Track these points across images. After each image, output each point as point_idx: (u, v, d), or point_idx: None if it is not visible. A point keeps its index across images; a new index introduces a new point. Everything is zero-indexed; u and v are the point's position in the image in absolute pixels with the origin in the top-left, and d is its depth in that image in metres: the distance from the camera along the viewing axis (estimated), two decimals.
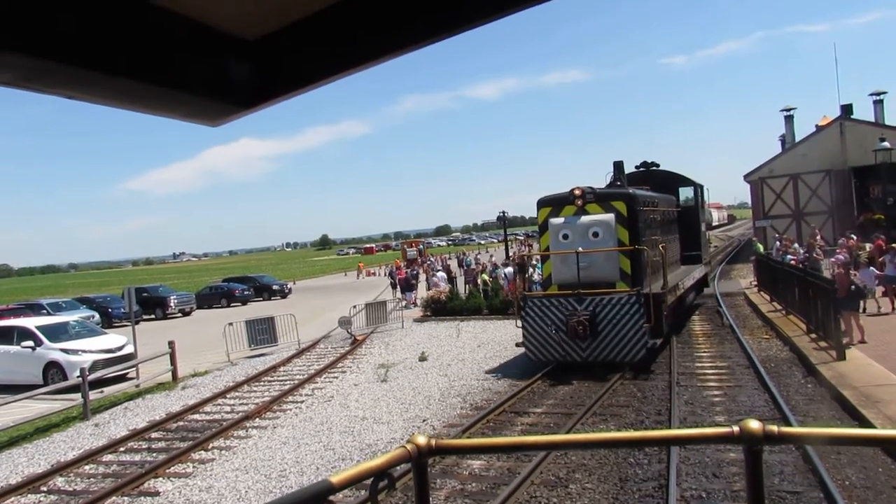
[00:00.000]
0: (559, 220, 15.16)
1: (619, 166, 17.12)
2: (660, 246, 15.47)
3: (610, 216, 14.68)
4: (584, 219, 14.85)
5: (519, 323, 15.29)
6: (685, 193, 22.14)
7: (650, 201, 16.67)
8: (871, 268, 17.54)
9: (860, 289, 14.80)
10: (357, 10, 1.32)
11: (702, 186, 22.55)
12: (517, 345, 15.69)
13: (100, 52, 1.09)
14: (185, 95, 1.37)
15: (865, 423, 9.37)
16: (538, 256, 18.51)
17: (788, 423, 9.43)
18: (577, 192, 14.98)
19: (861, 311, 14.92)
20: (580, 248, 14.42)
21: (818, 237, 25.95)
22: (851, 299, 14.23)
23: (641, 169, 21.26)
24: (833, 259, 19.54)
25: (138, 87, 1.26)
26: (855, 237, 24.82)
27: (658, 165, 21.54)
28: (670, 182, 21.13)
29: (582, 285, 14.33)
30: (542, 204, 15.73)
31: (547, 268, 15.95)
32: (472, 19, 1.29)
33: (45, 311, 31.44)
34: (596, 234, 14.64)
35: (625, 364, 14.07)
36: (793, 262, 20.79)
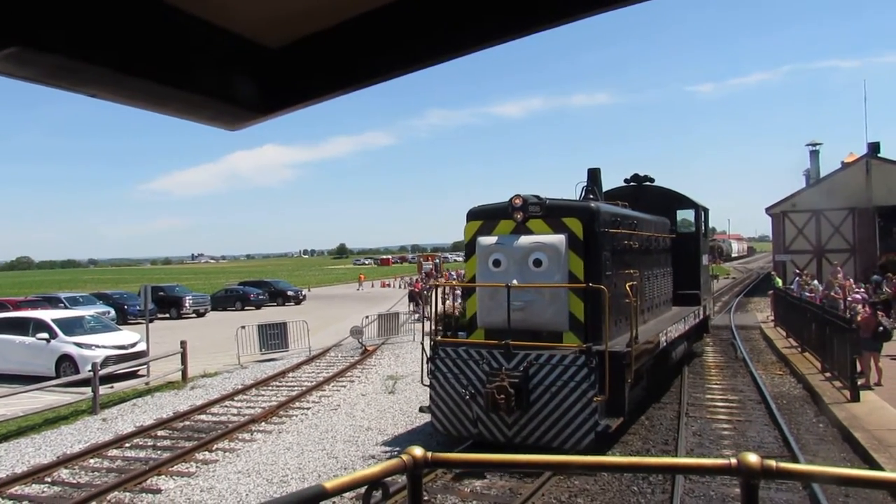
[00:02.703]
0: (490, 240, 11.03)
1: (594, 174, 13.54)
2: (627, 285, 10.94)
3: (559, 238, 10.56)
4: (524, 240, 10.71)
5: (427, 379, 11.16)
6: (683, 217, 17.85)
7: (623, 221, 12.28)
8: None
9: (887, 330, 14.59)
10: (375, 24, 1.35)
11: (706, 210, 18.30)
12: (421, 409, 11.66)
13: (123, 53, 1.13)
14: (206, 99, 1.41)
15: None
16: (459, 288, 13.31)
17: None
18: (516, 201, 10.82)
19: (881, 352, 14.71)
20: (514, 281, 10.39)
21: (840, 275, 25.62)
22: (875, 340, 14.04)
23: (632, 184, 17.27)
24: (860, 297, 19.27)
25: (159, 89, 1.29)
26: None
27: (653, 180, 17.36)
28: (665, 202, 16.83)
29: (515, 333, 10.31)
30: (471, 216, 11.65)
31: (471, 304, 11.58)
32: (487, 39, 1.32)
33: (62, 305, 31.79)
34: (538, 263, 10.55)
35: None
36: (810, 297, 20.47)
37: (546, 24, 1.26)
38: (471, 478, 9.27)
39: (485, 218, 11.40)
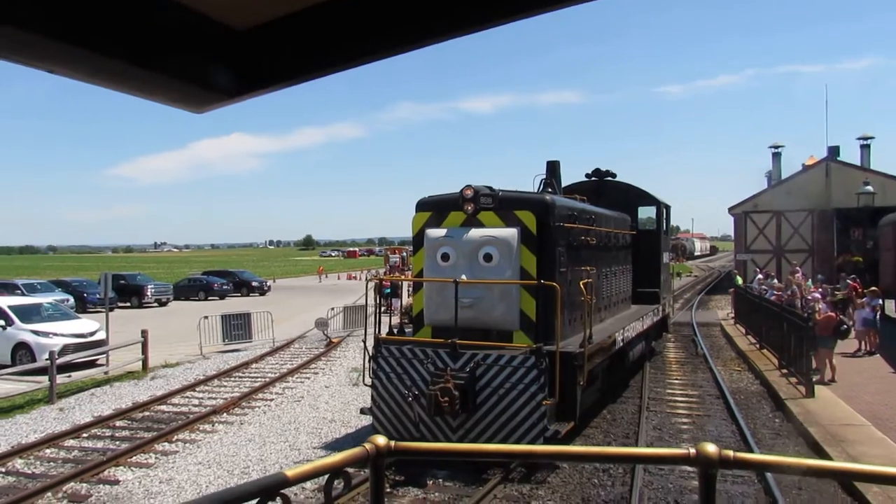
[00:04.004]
0: (438, 233, 10.51)
1: (553, 167, 13.11)
2: (581, 283, 10.50)
3: (511, 232, 10.08)
4: (474, 233, 10.20)
5: (369, 378, 10.56)
6: (645, 214, 17.42)
7: (580, 216, 11.70)
8: (867, 310, 17.47)
9: (848, 329, 14.97)
10: (346, 9, 1.34)
11: (668, 207, 17.96)
12: (362, 411, 11.10)
13: (83, 29, 1.10)
14: (170, 80, 1.38)
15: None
16: (410, 283, 12.73)
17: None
18: (467, 192, 10.33)
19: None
20: (463, 276, 9.89)
21: (798, 274, 26.23)
22: (831, 338, 14.41)
23: (593, 178, 16.73)
24: (819, 296, 19.74)
25: (122, 67, 1.26)
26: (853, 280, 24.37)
27: (615, 175, 16.84)
28: (627, 198, 16.48)
29: (463, 332, 9.79)
30: (420, 207, 11.12)
31: (418, 300, 11.06)
32: (459, 27, 1.31)
33: (19, 292, 30.99)
34: (489, 258, 10.05)
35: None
36: (774, 297, 20.86)
37: (517, 14, 1.26)
38: (434, 469, 9.28)
39: (434, 209, 10.83)
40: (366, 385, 10.74)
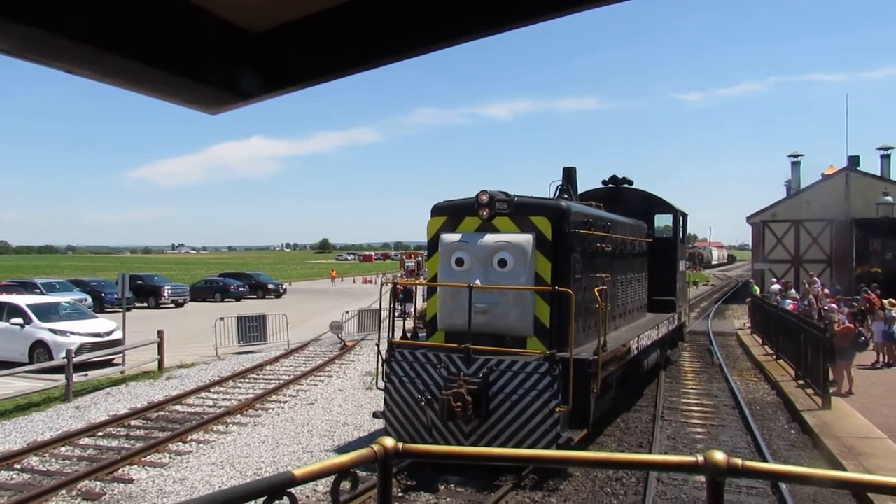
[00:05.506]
0: (454, 238, 10.47)
1: (569, 173, 13.08)
2: (595, 290, 10.38)
3: (526, 237, 10.02)
4: (489, 238, 10.17)
5: (382, 382, 10.52)
6: (662, 221, 17.31)
7: (596, 223, 11.59)
8: (884, 322, 17.27)
9: (866, 340, 14.80)
10: (361, 12, 1.35)
11: (685, 215, 17.92)
12: (375, 415, 10.97)
13: (100, 29, 1.12)
14: (185, 80, 1.40)
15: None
16: (424, 287, 12.69)
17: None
18: (483, 197, 10.27)
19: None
20: (477, 282, 9.86)
21: (817, 285, 25.94)
22: (850, 350, 14.25)
23: (609, 185, 16.68)
24: (835, 306, 19.50)
25: (137, 68, 1.28)
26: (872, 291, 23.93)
27: (631, 183, 16.76)
28: (643, 205, 16.40)
29: (477, 337, 9.71)
30: (435, 211, 11.08)
31: (432, 305, 11.04)
32: (472, 31, 1.32)
33: (38, 291, 31.36)
34: (503, 263, 10.00)
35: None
36: (791, 306, 20.66)
37: (533, 18, 1.26)
38: (446, 473, 9.27)
39: (449, 214, 10.82)
40: (379, 389, 10.68)
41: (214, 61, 1.40)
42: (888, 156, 37.57)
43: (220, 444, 11.28)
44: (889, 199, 27.80)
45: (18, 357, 17.82)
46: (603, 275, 11.51)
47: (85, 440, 11.50)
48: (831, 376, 13.74)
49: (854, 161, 36.86)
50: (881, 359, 17.16)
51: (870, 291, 22.28)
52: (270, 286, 48.97)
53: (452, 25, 1.32)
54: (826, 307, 18.66)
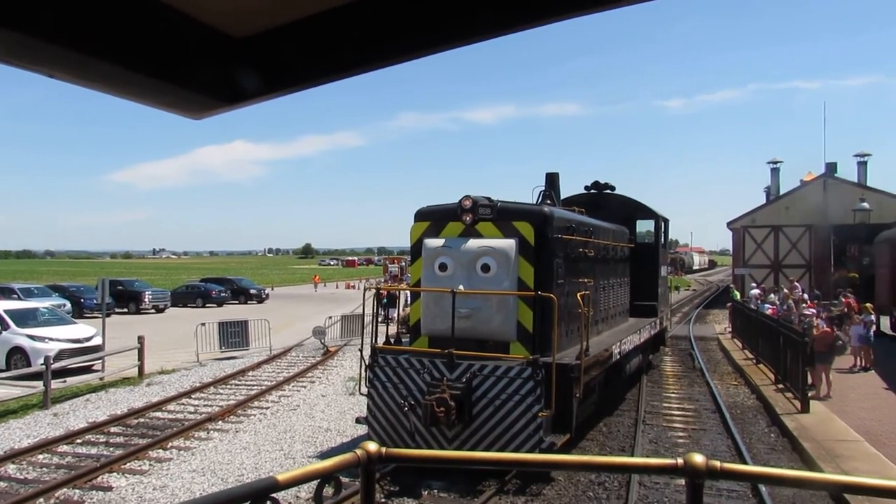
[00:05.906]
0: (437, 243, 10.51)
1: (552, 179, 13.18)
2: (578, 294, 10.40)
3: (509, 242, 10.09)
4: (472, 244, 10.20)
5: (365, 388, 10.57)
6: (644, 227, 17.48)
7: (578, 228, 11.65)
8: (863, 326, 17.49)
9: (844, 345, 15.00)
10: (346, 18, 1.36)
11: (666, 220, 18.03)
12: (358, 421, 10.94)
13: (83, 34, 1.12)
14: (168, 85, 1.40)
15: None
16: (408, 292, 12.17)
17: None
18: (466, 203, 10.35)
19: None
20: (461, 287, 9.87)
21: (798, 290, 26.22)
22: (828, 354, 14.42)
23: (591, 191, 16.81)
24: (814, 312, 19.73)
25: (120, 73, 1.28)
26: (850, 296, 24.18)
27: (614, 188, 16.89)
28: (625, 211, 16.55)
29: (460, 342, 9.78)
30: (418, 216, 11.13)
31: (415, 310, 11.15)
32: (458, 38, 1.33)
33: (15, 296, 30.93)
34: (486, 268, 10.04)
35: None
36: (770, 311, 20.88)
37: (530, 22, 1.27)
38: (430, 478, 9.26)
39: (432, 219, 10.88)
40: (362, 394, 10.66)
41: (199, 66, 1.40)
42: (865, 162, 38.13)
43: (201, 451, 11.18)
44: (866, 205, 28.22)
45: None
46: (585, 280, 11.59)
47: (63, 447, 11.35)
48: (810, 380, 13.91)
49: (832, 168, 37.38)
50: (858, 363, 17.40)
51: (848, 296, 22.58)
52: (252, 291, 48.75)
53: (438, 31, 1.33)
54: (805, 312, 18.88)
